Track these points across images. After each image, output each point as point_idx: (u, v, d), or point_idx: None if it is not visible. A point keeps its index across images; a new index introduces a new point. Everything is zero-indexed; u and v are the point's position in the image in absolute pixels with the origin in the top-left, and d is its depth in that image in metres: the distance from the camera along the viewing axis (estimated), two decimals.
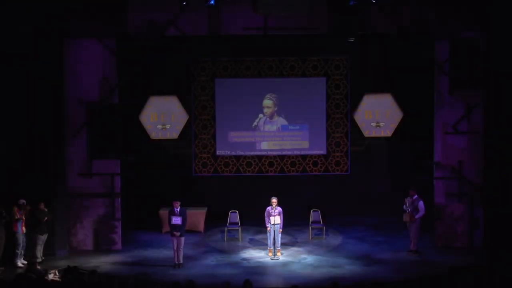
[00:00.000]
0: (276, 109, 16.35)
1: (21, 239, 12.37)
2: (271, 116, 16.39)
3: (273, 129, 16.47)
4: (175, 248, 12.41)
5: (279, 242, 13.07)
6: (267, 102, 16.37)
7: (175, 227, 12.38)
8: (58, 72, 13.29)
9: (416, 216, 13.13)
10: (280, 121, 16.49)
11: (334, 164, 16.49)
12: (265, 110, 16.39)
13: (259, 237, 14.78)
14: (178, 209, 12.45)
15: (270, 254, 13.04)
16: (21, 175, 12.74)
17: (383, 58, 16.21)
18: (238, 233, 14.74)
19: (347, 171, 16.53)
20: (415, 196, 13.24)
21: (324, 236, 14.74)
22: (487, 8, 13.21)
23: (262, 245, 13.95)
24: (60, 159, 13.42)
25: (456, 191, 13.70)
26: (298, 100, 16.36)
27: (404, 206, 13.33)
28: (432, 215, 13.90)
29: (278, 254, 13.03)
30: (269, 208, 12.98)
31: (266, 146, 16.48)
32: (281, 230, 13.01)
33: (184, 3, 12.76)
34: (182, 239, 12.47)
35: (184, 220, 12.45)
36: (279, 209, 12.96)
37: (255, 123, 16.43)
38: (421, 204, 13.14)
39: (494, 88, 13.17)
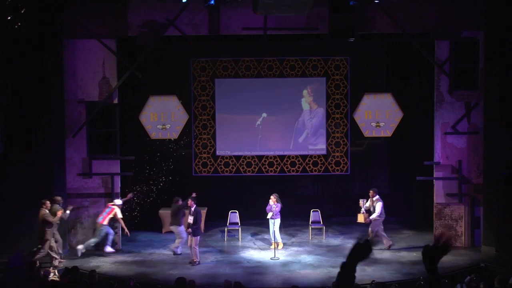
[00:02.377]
0: (311, 98, 16.26)
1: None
2: (314, 106, 16.30)
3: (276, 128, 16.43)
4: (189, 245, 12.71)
5: (278, 235, 13.48)
6: (305, 92, 16.29)
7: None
8: (58, 72, 13.29)
9: (370, 217, 13.17)
10: (281, 118, 16.47)
11: (334, 164, 16.47)
12: (304, 101, 16.25)
13: (259, 237, 14.79)
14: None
15: (272, 247, 13.37)
16: (21, 175, 12.72)
17: (383, 58, 16.22)
18: (238, 233, 14.75)
19: (347, 171, 16.52)
20: (376, 197, 13.28)
21: (324, 236, 14.74)
22: (486, 8, 13.22)
23: (262, 245, 13.96)
24: (60, 159, 13.42)
25: (456, 191, 13.71)
26: (298, 100, 16.34)
27: (362, 206, 13.36)
28: (432, 215, 13.91)
29: (278, 247, 13.36)
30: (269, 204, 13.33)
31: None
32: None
33: (184, 1, 12.76)
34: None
35: None
36: (278, 205, 13.29)
37: (258, 122, 16.35)
38: (379, 205, 13.19)
39: (494, 88, 13.17)
